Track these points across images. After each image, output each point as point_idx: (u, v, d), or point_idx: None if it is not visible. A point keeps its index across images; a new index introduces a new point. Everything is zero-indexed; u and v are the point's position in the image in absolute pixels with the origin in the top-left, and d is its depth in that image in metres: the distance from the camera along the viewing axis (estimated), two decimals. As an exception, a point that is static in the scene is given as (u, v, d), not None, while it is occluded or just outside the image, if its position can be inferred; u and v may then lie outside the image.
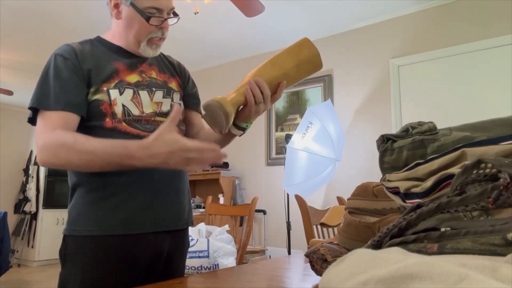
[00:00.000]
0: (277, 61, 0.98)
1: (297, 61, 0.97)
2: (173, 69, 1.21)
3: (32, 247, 5.76)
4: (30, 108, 0.99)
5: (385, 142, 0.67)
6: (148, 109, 1.06)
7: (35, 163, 6.18)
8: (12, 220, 5.79)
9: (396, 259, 0.28)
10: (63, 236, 1.02)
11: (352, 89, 3.79)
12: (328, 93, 3.91)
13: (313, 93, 4.04)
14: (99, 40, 1.11)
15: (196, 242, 1.99)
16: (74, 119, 0.98)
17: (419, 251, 0.34)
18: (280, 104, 4.28)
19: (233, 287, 0.76)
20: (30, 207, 5.91)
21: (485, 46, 3.12)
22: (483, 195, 0.35)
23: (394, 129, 3.45)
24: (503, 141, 0.49)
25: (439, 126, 0.64)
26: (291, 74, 0.98)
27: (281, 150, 4.13)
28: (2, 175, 6.35)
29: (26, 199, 6.03)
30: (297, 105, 4.15)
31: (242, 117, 1.01)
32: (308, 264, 0.84)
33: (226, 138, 1.17)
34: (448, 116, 3.21)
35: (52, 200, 5.90)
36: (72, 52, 1.02)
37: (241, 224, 3.06)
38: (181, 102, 1.18)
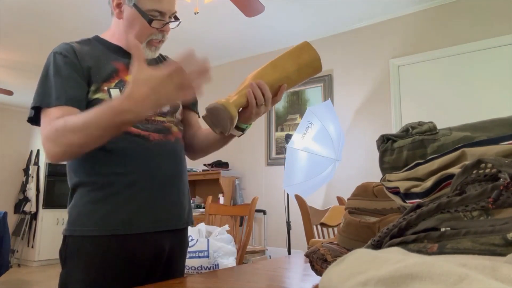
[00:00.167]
0: (278, 64, 0.99)
1: (298, 65, 0.99)
2: None
3: (32, 247, 5.76)
4: (33, 108, 0.98)
5: (385, 142, 0.67)
6: None
7: (35, 163, 6.18)
8: (12, 220, 5.79)
9: (396, 259, 0.28)
10: (63, 236, 1.01)
11: (352, 89, 3.79)
12: (328, 93, 3.91)
13: (313, 93, 4.04)
14: (98, 40, 1.11)
15: (196, 242, 1.99)
16: (73, 112, 0.96)
17: (419, 251, 0.34)
18: (280, 104, 4.28)
19: (233, 287, 0.76)
20: (30, 207, 5.91)
21: (485, 46, 3.12)
22: (483, 195, 0.35)
23: (394, 129, 3.45)
24: (503, 141, 0.49)
25: (439, 126, 0.64)
26: (291, 77, 0.99)
27: (281, 150, 4.13)
28: (2, 175, 6.35)
29: (26, 199, 6.03)
30: (297, 105, 4.15)
31: (242, 118, 1.02)
32: (308, 264, 0.84)
33: (225, 139, 1.17)
34: (448, 116, 3.21)
35: (52, 200, 5.90)
36: (71, 50, 1.01)
37: (241, 224, 3.06)
38: (180, 103, 1.18)
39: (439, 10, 3.38)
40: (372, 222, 0.71)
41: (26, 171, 6.33)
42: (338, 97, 3.87)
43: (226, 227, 2.21)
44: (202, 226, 2.17)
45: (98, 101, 1.00)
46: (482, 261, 0.25)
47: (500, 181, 0.36)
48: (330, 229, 2.06)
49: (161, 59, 1.21)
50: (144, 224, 1.01)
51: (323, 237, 2.03)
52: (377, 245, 0.39)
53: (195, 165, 4.50)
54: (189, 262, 1.94)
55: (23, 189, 6.19)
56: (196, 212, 4.11)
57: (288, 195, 3.51)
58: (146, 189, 1.02)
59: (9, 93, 4.58)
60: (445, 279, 0.23)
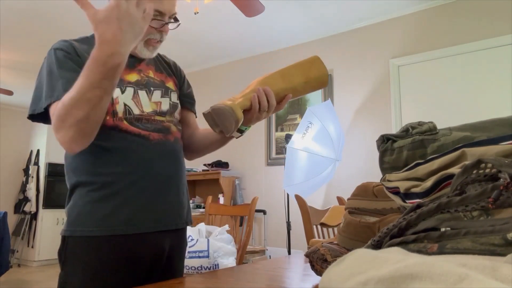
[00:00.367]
0: (286, 74, 1.01)
1: (306, 78, 1.01)
2: (169, 69, 1.21)
3: (32, 247, 5.76)
4: (45, 108, 0.94)
5: (385, 142, 0.67)
6: (147, 108, 1.06)
7: (35, 163, 6.18)
8: (12, 220, 5.79)
9: (396, 259, 0.28)
10: (62, 237, 1.00)
11: (352, 89, 3.79)
12: (328, 93, 3.91)
13: (313, 93, 4.04)
14: None
15: (196, 242, 1.99)
16: None
17: (419, 251, 0.34)
18: (280, 104, 4.28)
19: (233, 287, 0.76)
20: (30, 207, 5.91)
21: (485, 46, 3.12)
22: (483, 195, 0.35)
23: (394, 129, 3.45)
24: (503, 141, 0.49)
25: (439, 126, 0.64)
26: (298, 88, 1.01)
27: (281, 150, 4.13)
28: (2, 175, 6.35)
29: (26, 199, 6.03)
30: (297, 105, 4.15)
31: (243, 120, 1.02)
32: (308, 264, 0.84)
33: (222, 140, 1.18)
34: (448, 116, 3.21)
35: (52, 200, 5.90)
36: (71, 47, 1.00)
37: (241, 224, 3.06)
38: (178, 102, 1.18)
39: (439, 10, 3.38)
40: (372, 222, 0.71)
41: (26, 171, 6.33)
42: (338, 97, 3.87)
43: (226, 227, 2.21)
44: (202, 226, 2.17)
45: None
46: (482, 261, 0.25)
47: (500, 181, 0.36)
48: (330, 229, 2.06)
49: (160, 59, 1.21)
50: (144, 224, 1.01)
51: (323, 237, 2.03)
52: (377, 245, 0.39)
53: (195, 165, 4.50)
54: (189, 262, 1.94)
55: (23, 189, 6.19)
56: (196, 212, 4.11)
57: (288, 195, 3.51)
58: (146, 189, 1.02)
59: (9, 93, 4.58)
60: (445, 279, 0.23)
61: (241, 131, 1.06)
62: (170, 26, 1.08)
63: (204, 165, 4.47)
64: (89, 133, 0.91)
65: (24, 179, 6.30)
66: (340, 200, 2.38)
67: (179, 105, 1.18)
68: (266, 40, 4.22)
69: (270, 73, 1.03)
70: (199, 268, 1.95)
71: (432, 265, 0.24)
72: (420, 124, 0.66)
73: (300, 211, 1.96)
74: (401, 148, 0.64)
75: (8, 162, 6.44)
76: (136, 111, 1.03)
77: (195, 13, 2.76)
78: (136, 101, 1.04)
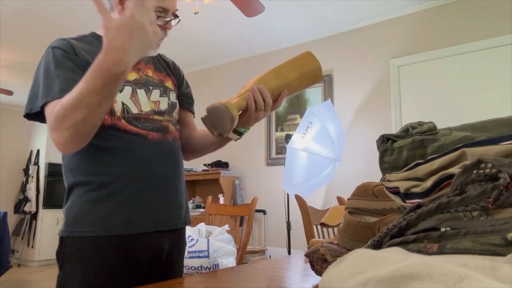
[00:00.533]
0: (280, 71, 1.01)
1: (300, 73, 1.01)
2: (168, 68, 1.21)
3: (32, 247, 5.76)
4: (41, 106, 0.94)
5: (385, 142, 0.67)
6: (146, 107, 1.05)
7: (35, 163, 6.18)
8: (12, 220, 5.79)
9: (396, 259, 0.28)
10: (60, 237, 0.99)
11: (352, 89, 3.79)
12: (328, 93, 3.91)
13: (313, 93, 4.05)
14: (95, 36, 1.09)
15: (196, 242, 1.99)
16: None
17: (419, 251, 0.34)
18: (280, 104, 4.28)
19: (233, 287, 0.76)
20: (30, 207, 5.91)
21: (485, 46, 3.12)
22: (483, 195, 0.35)
23: (394, 129, 3.45)
24: (503, 141, 0.49)
25: (439, 126, 0.64)
26: (292, 84, 1.01)
27: (281, 150, 4.13)
28: (2, 175, 6.35)
29: (26, 199, 6.03)
30: (297, 105, 4.15)
31: (240, 122, 1.02)
32: (308, 264, 0.84)
33: (220, 142, 1.17)
34: (448, 116, 3.21)
35: (52, 200, 5.90)
36: (69, 45, 1.00)
37: (241, 224, 3.06)
38: (177, 102, 1.18)
39: (439, 10, 3.38)
40: (372, 222, 0.71)
41: (26, 171, 6.33)
42: (338, 97, 3.87)
43: (226, 227, 2.21)
44: (202, 226, 2.17)
45: None
46: (482, 261, 0.25)
47: (500, 181, 0.36)
48: (330, 229, 2.06)
49: (159, 58, 1.21)
50: (144, 224, 1.00)
51: (323, 237, 2.03)
52: (377, 245, 0.39)
53: (195, 165, 4.50)
54: (189, 262, 1.94)
55: (23, 189, 6.19)
56: (196, 212, 4.12)
57: (288, 195, 3.51)
58: (145, 189, 1.01)
59: (9, 93, 4.58)
60: (445, 279, 0.23)
61: (239, 133, 1.06)
62: (172, 22, 1.08)
63: (204, 165, 4.46)
64: (85, 136, 0.91)
65: (24, 179, 6.30)
66: (340, 200, 2.38)
67: (178, 105, 1.18)
68: (266, 40, 4.22)
69: (264, 72, 1.03)
70: (199, 268, 1.95)
71: (432, 265, 0.24)
72: (420, 124, 0.66)
73: (300, 211, 1.96)
74: (401, 148, 0.64)
75: (8, 162, 6.44)
76: (134, 110, 1.03)
77: (195, 13, 2.76)
78: (135, 100, 1.04)
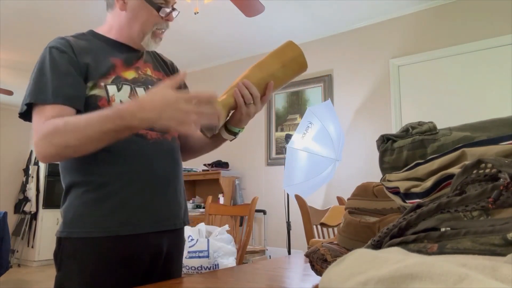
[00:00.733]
0: (262, 64, 1.02)
1: (282, 62, 1.00)
2: (166, 68, 1.20)
3: (32, 247, 5.76)
4: (26, 104, 0.94)
5: (385, 142, 0.67)
6: None
7: (35, 163, 6.18)
8: (12, 220, 5.78)
9: (396, 259, 0.28)
10: (58, 238, 0.98)
11: (352, 89, 3.79)
12: (328, 93, 3.91)
13: (313, 93, 4.04)
14: (93, 34, 1.08)
15: (196, 242, 1.99)
16: (69, 112, 0.94)
17: (419, 251, 0.34)
18: (280, 104, 4.28)
19: (233, 287, 0.76)
20: (30, 207, 5.91)
21: (485, 46, 3.12)
22: (483, 195, 0.35)
23: (394, 129, 3.45)
24: (503, 141, 0.49)
25: (439, 126, 0.64)
26: (277, 74, 1.00)
27: (281, 150, 4.13)
28: (2, 175, 6.35)
29: (26, 199, 6.03)
30: (297, 105, 4.15)
31: (233, 121, 1.03)
32: (308, 264, 0.84)
33: (216, 142, 1.17)
34: (448, 116, 3.21)
35: (52, 200, 5.90)
36: (67, 44, 0.99)
37: (241, 224, 3.06)
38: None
39: (439, 10, 3.38)
40: (372, 222, 0.71)
41: (26, 171, 6.33)
42: (338, 97, 3.87)
43: (226, 227, 2.21)
44: (202, 226, 2.17)
45: (94, 98, 0.98)
46: (482, 261, 0.25)
47: (500, 181, 0.36)
48: (330, 229, 2.06)
49: (158, 57, 1.21)
50: (143, 225, 1.00)
51: (323, 237, 2.03)
52: (377, 245, 0.39)
53: (195, 165, 4.50)
54: (189, 262, 1.94)
55: (23, 189, 6.19)
56: (196, 212, 4.12)
57: (288, 195, 3.51)
58: (144, 189, 1.00)
59: (9, 93, 4.58)
60: (445, 279, 0.23)
61: (234, 133, 1.06)
62: (173, 14, 1.09)
63: (204, 165, 4.46)
64: (67, 158, 0.95)
65: (24, 179, 6.29)
66: (340, 200, 2.38)
67: None
68: (266, 40, 4.22)
69: (247, 69, 1.03)
70: (199, 268, 1.95)
71: (432, 265, 0.24)
72: (420, 124, 0.66)
73: (300, 211, 1.96)
74: (401, 148, 0.64)
75: (8, 162, 6.44)
76: None
77: (195, 13, 2.76)
78: (134, 98, 1.03)
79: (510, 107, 2.94)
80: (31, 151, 6.39)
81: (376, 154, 0.69)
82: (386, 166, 0.66)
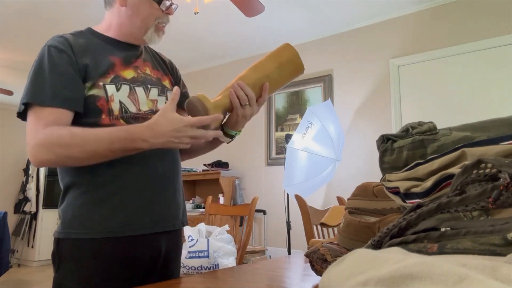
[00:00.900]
0: (258, 66, 1.01)
1: (278, 63, 1.00)
2: (165, 67, 1.20)
3: (32, 247, 5.76)
4: (24, 104, 0.93)
5: (385, 142, 0.67)
6: (144, 106, 1.04)
7: (35, 163, 6.17)
8: (12, 220, 5.78)
9: (396, 259, 0.28)
10: (56, 239, 0.97)
11: (352, 89, 3.79)
12: (328, 93, 3.91)
13: (313, 93, 4.04)
14: (92, 32, 1.07)
15: (196, 242, 1.99)
16: (68, 115, 0.94)
17: (419, 251, 0.34)
18: (280, 104, 4.28)
19: (233, 287, 0.76)
20: (30, 207, 5.91)
21: (485, 46, 3.12)
22: (483, 195, 0.35)
23: (394, 129, 3.45)
24: (503, 141, 0.49)
25: (439, 126, 0.64)
26: (273, 75, 1.00)
27: (281, 150, 4.13)
28: (2, 175, 6.35)
29: (26, 199, 6.03)
30: (297, 105, 4.15)
31: (230, 124, 1.02)
32: (308, 264, 0.84)
33: (213, 144, 1.16)
34: (448, 116, 3.21)
35: (52, 200, 5.90)
36: (66, 43, 0.98)
37: (241, 224, 3.06)
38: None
39: (439, 10, 3.38)
40: (372, 222, 0.71)
41: (26, 171, 6.33)
42: (338, 97, 3.87)
43: (226, 227, 2.21)
44: (202, 226, 2.17)
45: (93, 98, 0.97)
46: (482, 261, 0.25)
47: (500, 181, 0.36)
48: (330, 229, 2.06)
49: (156, 56, 1.20)
50: (142, 226, 0.99)
51: (323, 237, 2.03)
52: (377, 245, 0.39)
53: (195, 165, 4.50)
54: (189, 262, 1.94)
55: (23, 189, 6.19)
56: (196, 212, 4.12)
57: (288, 195, 3.51)
58: (143, 190, 1.00)
59: (9, 93, 4.58)
60: (445, 279, 0.23)
61: (231, 136, 1.05)
62: (173, 7, 1.09)
63: (204, 165, 4.46)
64: (67, 166, 0.96)
65: (24, 179, 6.29)
66: (340, 200, 2.38)
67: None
68: (266, 40, 4.22)
69: (243, 71, 1.02)
70: (199, 268, 1.95)
71: (432, 265, 0.24)
72: (420, 124, 0.66)
73: (300, 211, 1.96)
74: (401, 148, 0.64)
75: (8, 162, 6.44)
76: (132, 109, 1.01)
77: (195, 13, 2.76)
78: (133, 98, 1.02)
79: (510, 107, 2.94)
80: (31, 151, 6.38)
81: (376, 154, 0.69)
82: (386, 166, 0.66)
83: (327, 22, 3.79)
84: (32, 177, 6.07)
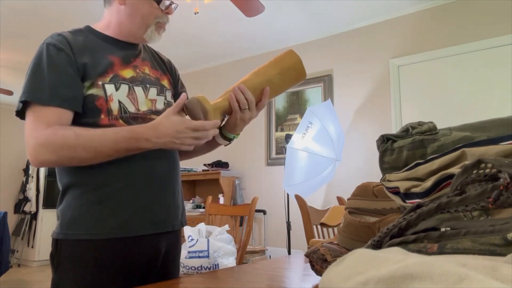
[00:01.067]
0: (260, 70, 1.02)
1: (280, 69, 1.00)
2: (164, 66, 1.19)
3: (32, 247, 5.76)
4: (22, 102, 0.92)
5: (385, 142, 0.67)
6: (143, 106, 1.04)
7: (35, 163, 6.17)
8: (12, 220, 5.78)
9: (396, 259, 0.28)
10: (55, 240, 0.96)
11: (352, 89, 3.79)
12: (328, 93, 3.91)
13: (313, 93, 4.04)
14: (91, 31, 1.07)
15: (196, 242, 1.99)
16: (68, 115, 0.93)
17: (419, 251, 0.34)
18: (280, 104, 4.28)
19: (233, 287, 0.76)
20: (30, 207, 5.91)
21: (485, 46, 3.12)
22: (483, 195, 0.35)
23: (394, 129, 3.45)
24: (503, 141, 0.49)
25: (439, 126, 0.64)
26: (274, 80, 1.00)
27: (281, 150, 4.13)
28: (2, 175, 6.35)
29: (26, 199, 6.03)
30: (297, 105, 4.15)
31: (228, 126, 1.02)
32: (308, 264, 0.84)
33: (211, 146, 1.16)
34: (448, 116, 3.21)
35: (52, 200, 5.89)
36: (65, 42, 0.97)
37: (241, 224, 3.06)
38: (172, 101, 1.16)
39: (439, 10, 3.38)
40: (372, 222, 0.71)
41: (26, 171, 6.33)
42: (338, 97, 3.87)
43: (226, 227, 2.21)
44: (202, 226, 2.17)
45: (92, 97, 0.96)
46: (482, 261, 0.25)
47: (500, 181, 0.36)
48: (330, 229, 2.06)
49: (155, 55, 1.20)
50: (142, 227, 0.99)
51: (323, 237, 2.03)
52: (377, 245, 0.39)
53: (195, 165, 4.50)
54: (189, 262, 1.94)
55: (23, 189, 6.18)
56: (196, 212, 4.11)
57: (288, 195, 3.51)
58: (143, 190, 1.00)
59: (9, 93, 4.58)
60: (445, 279, 0.23)
61: (229, 139, 1.05)
62: (173, 6, 1.09)
63: (204, 165, 4.46)
64: (68, 166, 0.96)
65: (24, 179, 6.29)
66: (340, 200, 2.38)
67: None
68: (266, 40, 4.22)
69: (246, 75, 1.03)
70: (199, 268, 1.95)
71: (432, 265, 0.24)
72: (420, 124, 0.66)
73: (300, 211, 1.96)
74: (401, 148, 0.64)
75: (8, 162, 6.44)
76: (131, 109, 1.01)
77: (195, 13, 2.76)
78: (132, 98, 1.02)
79: (510, 107, 2.94)
80: (31, 151, 6.38)
81: (376, 154, 0.69)
82: (386, 166, 0.66)
83: (327, 22, 3.79)
84: (32, 177, 6.07)
